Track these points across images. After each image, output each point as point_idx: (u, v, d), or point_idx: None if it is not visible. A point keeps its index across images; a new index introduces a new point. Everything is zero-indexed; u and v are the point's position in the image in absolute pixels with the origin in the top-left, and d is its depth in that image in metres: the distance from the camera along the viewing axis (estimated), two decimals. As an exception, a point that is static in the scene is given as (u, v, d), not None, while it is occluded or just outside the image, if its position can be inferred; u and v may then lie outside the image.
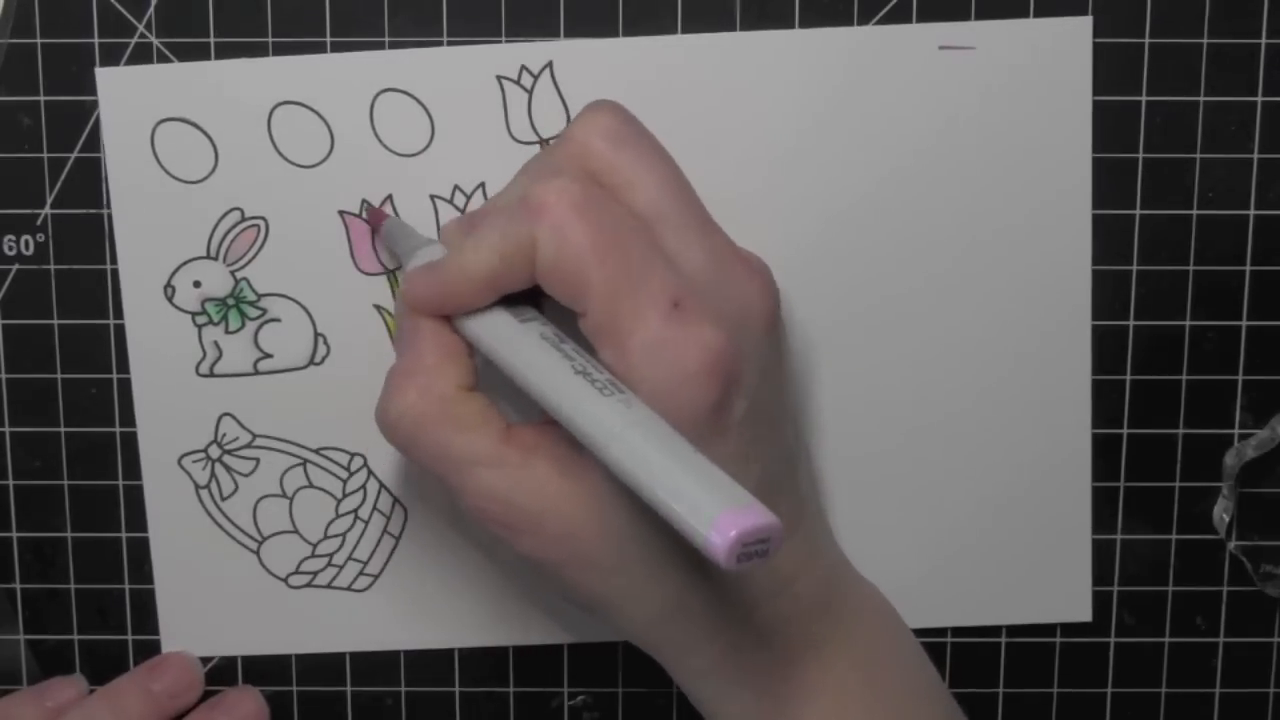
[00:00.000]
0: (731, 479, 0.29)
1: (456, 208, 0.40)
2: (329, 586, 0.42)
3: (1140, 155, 0.40)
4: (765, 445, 0.35)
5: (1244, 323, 0.41)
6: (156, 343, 0.41)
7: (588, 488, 0.34)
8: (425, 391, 0.34)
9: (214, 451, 0.41)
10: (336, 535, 0.42)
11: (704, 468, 0.29)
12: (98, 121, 0.40)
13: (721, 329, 0.33)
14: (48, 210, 0.41)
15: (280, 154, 0.40)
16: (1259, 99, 0.40)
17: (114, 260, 0.40)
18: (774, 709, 0.36)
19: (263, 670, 0.43)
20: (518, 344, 0.34)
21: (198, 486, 0.41)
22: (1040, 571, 0.42)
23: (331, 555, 0.42)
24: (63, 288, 0.41)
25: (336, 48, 0.40)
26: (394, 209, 0.40)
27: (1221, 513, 0.42)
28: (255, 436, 0.41)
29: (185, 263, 0.40)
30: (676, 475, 0.29)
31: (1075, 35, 0.40)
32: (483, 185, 0.40)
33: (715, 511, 0.28)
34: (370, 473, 0.41)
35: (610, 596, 0.35)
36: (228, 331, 0.41)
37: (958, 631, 0.43)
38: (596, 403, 0.31)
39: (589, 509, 0.34)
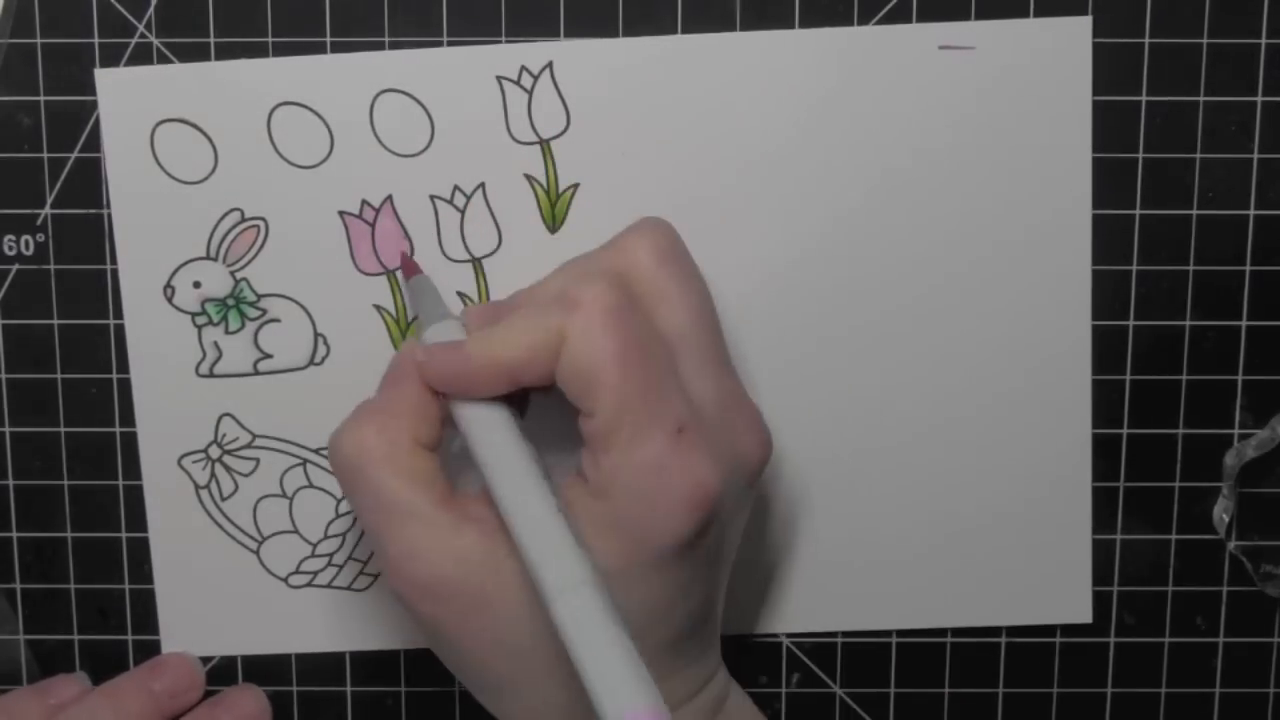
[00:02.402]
0: (649, 679, 0.30)
1: (456, 208, 0.40)
2: (329, 586, 0.42)
3: (1140, 155, 0.40)
4: (706, 579, 0.35)
5: (1244, 323, 0.41)
6: (156, 343, 0.41)
7: (513, 570, 0.34)
8: (382, 431, 0.34)
9: (214, 451, 0.41)
10: (336, 535, 0.42)
11: (630, 656, 0.31)
12: (98, 121, 0.40)
13: (716, 468, 0.33)
14: (48, 210, 0.41)
15: (280, 154, 0.40)
16: (1259, 99, 0.40)
17: (114, 260, 0.40)
18: None
19: (263, 670, 0.43)
20: (511, 453, 0.34)
21: (198, 486, 0.41)
22: (1040, 572, 0.42)
23: (331, 555, 0.42)
24: (63, 288, 0.41)
25: (336, 48, 0.40)
26: (394, 209, 0.40)
27: (1221, 513, 0.42)
28: (255, 437, 0.41)
29: (185, 263, 0.40)
30: (605, 654, 0.30)
31: (1075, 35, 0.40)
32: (482, 185, 0.40)
33: (625, 707, 0.30)
34: (370, 473, 0.41)
35: (505, 680, 0.35)
36: (228, 332, 0.41)
37: (958, 632, 0.43)
38: (568, 550, 0.32)
39: (508, 589, 0.34)
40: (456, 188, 0.40)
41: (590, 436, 0.34)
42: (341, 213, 0.40)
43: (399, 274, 0.40)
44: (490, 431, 0.35)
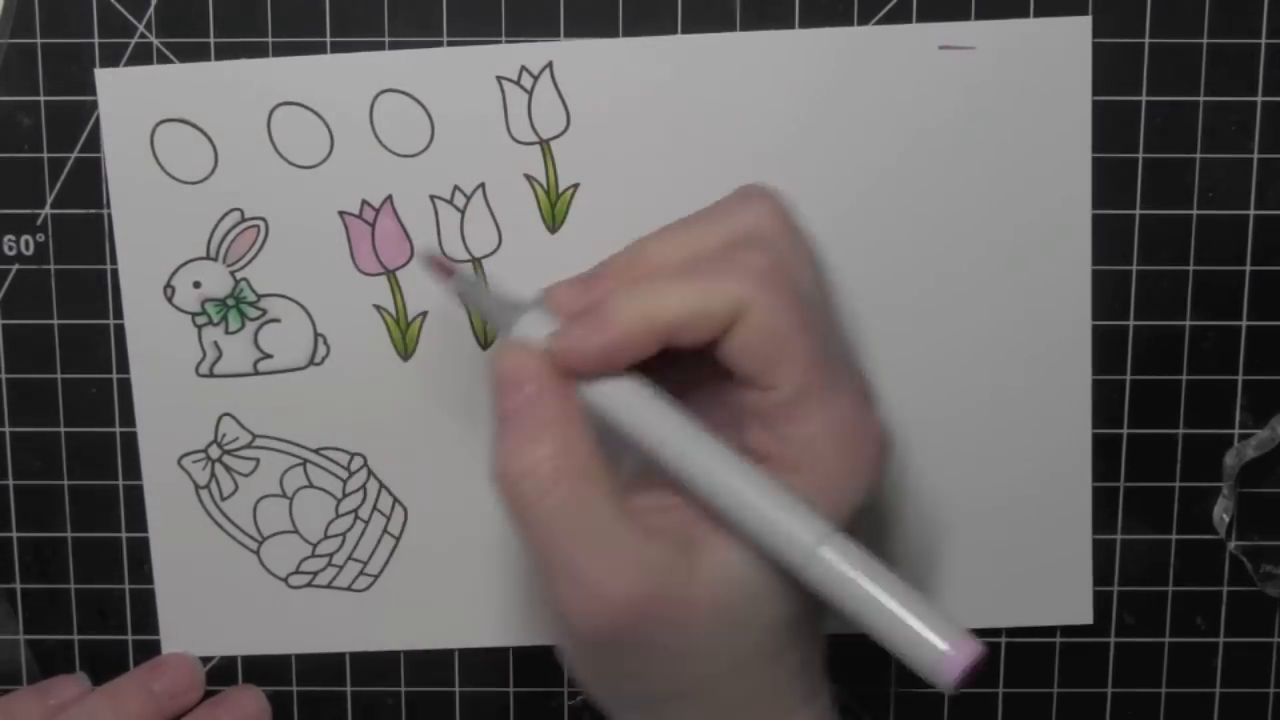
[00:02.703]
0: (945, 612, 0.30)
1: (456, 208, 0.40)
2: (329, 586, 0.42)
3: (1140, 155, 0.40)
4: None
5: (1244, 323, 0.41)
6: (156, 343, 0.41)
7: (708, 566, 0.32)
8: (566, 445, 0.31)
9: (214, 451, 0.41)
10: (336, 535, 0.42)
11: (914, 593, 0.30)
12: (98, 121, 0.40)
13: (882, 421, 0.34)
14: (48, 210, 0.41)
15: (280, 154, 0.40)
16: (1259, 99, 0.40)
17: (114, 260, 0.40)
18: None
19: (263, 670, 0.43)
20: (686, 426, 0.32)
21: (198, 486, 0.41)
22: (1040, 572, 0.42)
23: (331, 555, 0.42)
24: (63, 288, 0.41)
25: (336, 48, 0.40)
26: (394, 209, 0.40)
27: (1221, 513, 0.42)
28: (255, 436, 0.41)
29: (185, 263, 0.40)
30: (893, 594, 0.30)
31: (1075, 35, 0.40)
32: (482, 186, 0.40)
33: (941, 645, 0.30)
34: (370, 473, 0.41)
35: (688, 686, 0.33)
36: (228, 332, 0.41)
37: (958, 631, 0.43)
38: (799, 507, 0.31)
39: (704, 587, 0.32)
40: (456, 188, 0.40)
41: (772, 409, 0.32)
42: (341, 213, 0.40)
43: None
44: (653, 410, 0.32)
